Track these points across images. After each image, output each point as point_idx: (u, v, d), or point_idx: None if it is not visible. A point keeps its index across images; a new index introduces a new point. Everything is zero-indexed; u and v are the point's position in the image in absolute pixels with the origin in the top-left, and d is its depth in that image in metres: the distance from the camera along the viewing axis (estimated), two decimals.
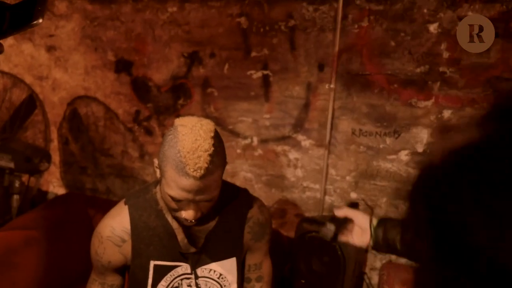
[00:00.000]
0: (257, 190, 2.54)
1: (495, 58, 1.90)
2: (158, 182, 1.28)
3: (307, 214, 2.45)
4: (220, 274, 1.35)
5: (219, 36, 2.40)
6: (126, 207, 1.28)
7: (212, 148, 1.05)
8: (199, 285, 1.33)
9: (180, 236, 1.29)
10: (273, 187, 2.52)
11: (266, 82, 2.36)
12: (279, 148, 2.44)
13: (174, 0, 2.45)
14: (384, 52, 2.09)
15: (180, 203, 1.12)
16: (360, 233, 1.26)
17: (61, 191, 3.18)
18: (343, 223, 1.28)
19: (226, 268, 1.35)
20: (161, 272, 1.30)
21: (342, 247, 1.95)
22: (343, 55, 2.17)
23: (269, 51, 2.31)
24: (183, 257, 1.30)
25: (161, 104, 2.68)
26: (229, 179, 2.04)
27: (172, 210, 1.18)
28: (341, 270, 1.97)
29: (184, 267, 1.31)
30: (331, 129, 2.28)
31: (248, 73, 2.39)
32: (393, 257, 2.17)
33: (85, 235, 1.49)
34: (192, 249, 1.31)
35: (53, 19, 2.80)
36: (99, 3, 2.65)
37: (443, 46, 1.98)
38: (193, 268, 1.31)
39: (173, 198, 1.10)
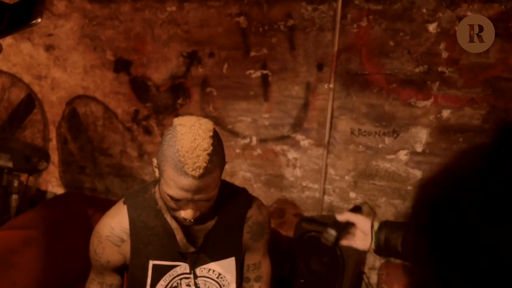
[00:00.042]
0: (256, 189, 2.54)
1: (494, 58, 1.90)
2: (157, 181, 1.28)
3: (306, 214, 2.45)
4: (219, 274, 1.35)
5: (218, 35, 2.40)
6: (125, 206, 1.28)
7: (211, 148, 1.05)
8: (198, 285, 1.33)
9: (179, 235, 1.29)
10: (272, 187, 2.52)
11: (265, 82, 2.36)
12: (278, 148, 2.44)
13: None
14: (383, 51, 2.09)
15: (179, 203, 1.12)
16: (362, 237, 1.27)
17: (60, 190, 3.17)
18: (345, 228, 1.28)
19: (225, 268, 1.35)
20: (160, 272, 1.30)
21: (341, 247, 1.95)
22: (342, 55, 2.17)
23: (268, 51, 2.31)
24: (182, 257, 1.30)
25: (160, 104, 2.68)
26: (228, 179, 2.04)
27: (171, 210, 1.18)
28: (340, 269, 1.97)
29: (183, 267, 1.31)
30: (330, 128, 2.28)
31: (247, 72, 2.39)
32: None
33: (84, 235, 1.49)
34: (191, 249, 1.31)
35: (52, 18, 2.80)
36: (98, 3, 2.64)
37: (442, 46, 1.98)
38: (192, 268, 1.31)
39: (172, 198, 1.10)
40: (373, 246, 1.24)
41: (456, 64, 1.97)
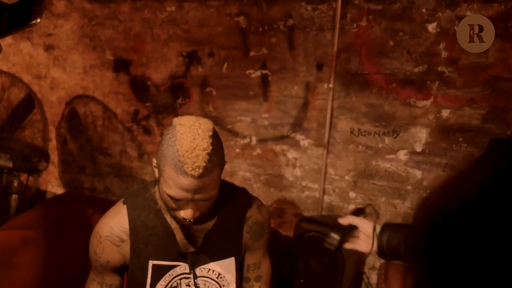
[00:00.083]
0: (256, 189, 2.54)
1: (493, 57, 1.90)
2: (156, 181, 1.28)
3: (305, 214, 2.45)
4: (219, 274, 1.35)
5: (218, 35, 2.40)
6: (125, 206, 1.28)
7: (211, 147, 1.05)
8: (198, 285, 1.33)
9: (179, 235, 1.29)
10: (272, 187, 2.52)
11: (264, 82, 2.36)
12: (277, 148, 2.44)
13: None
14: (382, 51, 2.09)
15: (179, 202, 1.12)
16: (365, 240, 1.27)
17: (59, 190, 3.17)
18: (348, 231, 1.29)
19: (225, 268, 1.35)
20: (159, 272, 1.30)
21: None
22: (342, 55, 2.17)
23: (268, 51, 2.31)
24: (182, 257, 1.30)
25: (159, 104, 2.67)
26: (227, 179, 2.04)
27: (170, 210, 1.18)
28: (340, 269, 1.97)
29: (182, 267, 1.31)
30: (330, 128, 2.28)
31: (247, 72, 2.39)
32: None
33: (83, 235, 1.49)
34: (191, 249, 1.31)
35: (51, 18, 2.80)
36: (98, 2, 2.64)
37: (441, 46, 1.98)
38: (192, 268, 1.31)
39: (171, 197, 1.10)
40: (375, 248, 1.24)
41: (456, 64, 1.97)
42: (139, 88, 2.70)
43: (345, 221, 1.30)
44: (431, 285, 0.48)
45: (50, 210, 2.18)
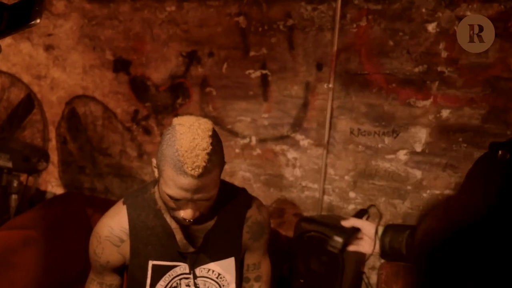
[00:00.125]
0: (256, 189, 2.54)
1: (493, 57, 1.90)
2: (156, 181, 1.28)
3: (305, 214, 2.45)
4: (219, 274, 1.35)
5: (218, 35, 2.40)
6: (125, 207, 1.28)
7: (210, 147, 1.05)
8: (197, 285, 1.33)
9: (179, 235, 1.29)
10: (272, 187, 2.52)
11: (264, 82, 2.36)
12: (277, 148, 2.44)
13: None
14: (382, 51, 2.09)
15: (179, 202, 1.12)
16: (368, 242, 1.28)
17: (59, 190, 3.17)
18: (351, 234, 1.29)
19: (225, 268, 1.35)
20: (159, 272, 1.30)
21: None
22: (342, 55, 2.17)
23: (268, 51, 2.31)
24: (182, 257, 1.30)
25: (159, 104, 2.67)
26: (227, 179, 2.04)
27: (170, 210, 1.18)
28: (340, 269, 1.97)
29: (182, 267, 1.31)
30: (330, 128, 2.28)
31: (247, 72, 2.39)
32: None
33: (83, 235, 1.49)
34: (191, 249, 1.31)
35: (51, 18, 2.80)
36: (98, 2, 2.64)
37: (441, 46, 1.98)
38: (192, 268, 1.31)
39: (171, 197, 1.10)
40: (378, 250, 1.25)
41: (456, 64, 1.97)
42: (139, 88, 2.70)
43: (347, 223, 1.31)
44: None
45: (50, 210, 2.18)
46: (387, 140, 2.19)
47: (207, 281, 1.34)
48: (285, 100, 2.34)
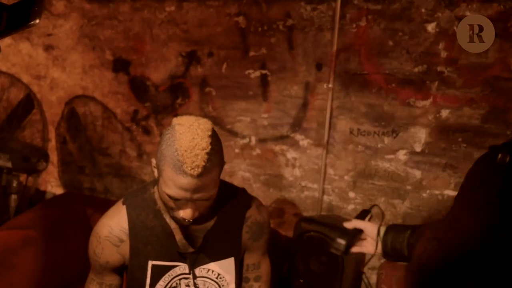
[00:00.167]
0: (255, 189, 2.54)
1: (493, 57, 1.90)
2: (156, 181, 1.28)
3: (305, 214, 2.45)
4: (218, 274, 1.35)
5: (217, 35, 2.40)
6: (124, 207, 1.28)
7: (210, 147, 1.05)
8: (197, 285, 1.33)
9: (178, 236, 1.29)
10: (271, 187, 2.52)
11: (264, 82, 2.36)
12: (277, 148, 2.44)
13: None
14: (382, 51, 2.09)
15: (178, 202, 1.12)
16: (371, 243, 1.28)
17: (59, 190, 3.17)
18: (354, 235, 1.30)
19: (224, 268, 1.35)
20: (159, 272, 1.30)
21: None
22: (341, 55, 2.17)
23: (267, 51, 2.31)
24: (181, 257, 1.30)
25: (159, 104, 2.67)
26: (227, 179, 2.03)
27: (170, 210, 1.18)
28: (339, 269, 1.97)
29: (182, 267, 1.31)
30: (329, 128, 2.28)
31: (246, 72, 2.39)
32: None
33: (83, 235, 1.49)
34: (190, 249, 1.31)
35: (51, 18, 2.80)
36: (97, 2, 2.64)
37: (441, 46, 1.98)
38: (191, 268, 1.31)
39: (171, 197, 1.10)
40: (380, 250, 1.25)
41: (455, 64, 1.97)
42: (139, 88, 2.70)
43: (350, 225, 1.32)
44: None
45: (49, 210, 2.18)
46: (386, 140, 2.19)
47: (206, 281, 1.34)
48: (284, 100, 2.34)
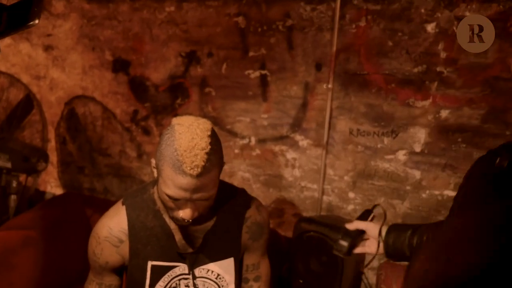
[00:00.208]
0: (255, 190, 2.54)
1: (492, 58, 1.90)
2: (155, 182, 1.28)
3: (305, 214, 2.45)
4: (218, 275, 1.35)
5: (217, 35, 2.40)
6: (124, 207, 1.28)
7: (209, 147, 1.05)
8: (197, 286, 1.33)
9: (178, 236, 1.29)
10: (271, 187, 2.52)
11: (264, 82, 2.36)
12: (277, 148, 2.44)
13: None
14: (381, 51, 2.09)
15: (177, 202, 1.12)
16: (374, 243, 1.28)
17: (58, 191, 3.17)
18: (356, 237, 1.30)
19: (224, 268, 1.35)
20: (158, 273, 1.30)
21: None
22: (341, 55, 2.17)
23: (267, 51, 2.31)
24: (181, 257, 1.30)
25: (158, 104, 2.67)
26: (227, 179, 2.04)
27: (169, 210, 1.18)
28: (339, 270, 1.97)
29: (181, 268, 1.31)
30: (329, 129, 2.28)
31: (246, 72, 2.39)
32: None
33: (82, 235, 1.49)
34: (190, 249, 1.31)
35: (50, 19, 2.80)
36: (97, 2, 2.64)
37: (440, 46, 1.98)
38: (191, 269, 1.31)
39: (170, 197, 1.10)
40: (382, 250, 1.25)
41: (455, 64, 1.97)
42: (138, 88, 2.70)
43: (352, 226, 1.32)
44: None
45: (49, 211, 2.18)
46: (386, 140, 2.19)
47: (206, 282, 1.34)
48: (284, 100, 2.34)
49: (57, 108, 2.98)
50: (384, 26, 2.06)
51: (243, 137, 2.50)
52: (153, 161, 1.17)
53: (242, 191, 1.43)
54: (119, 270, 1.32)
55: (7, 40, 2.96)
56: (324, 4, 2.14)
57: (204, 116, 2.50)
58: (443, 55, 1.98)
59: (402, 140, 2.15)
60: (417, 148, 2.13)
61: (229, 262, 1.36)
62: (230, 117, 2.50)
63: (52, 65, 2.89)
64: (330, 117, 2.26)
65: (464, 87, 1.98)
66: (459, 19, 1.91)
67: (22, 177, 2.57)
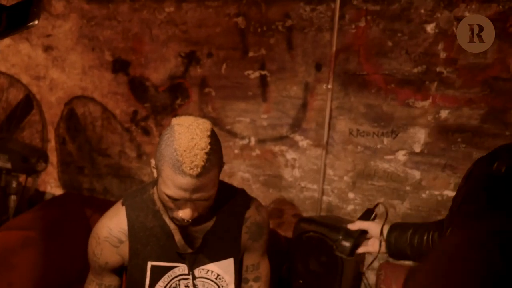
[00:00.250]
0: (255, 190, 2.54)
1: (492, 58, 1.90)
2: (155, 182, 1.28)
3: (304, 214, 2.45)
4: (218, 275, 1.35)
5: (217, 36, 2.40)
6: (123, 207, 1.28)
7: (209, 147, 1.05)
8: (196, 286, 1.33)
9: (178, 236, 1.29)
10: (271, 187, 2.52)
11: (263, 82, 2.36)
12: (276, 148, 2.44)
13: None
14: (381, 52, 2.09)
15: (177, 202, 1.12)
16: (377, 243, 1.28)
17: (58, 191, 3.17)
18: (358, 237, 1.30)
19: (224, 269, 1.35)
20: (158, 273, 1.30)
21: None
22: (341, 55, 2.17)
23: (267, 51, 2.31)
24: (181, 258, 1.30)
25: (158, 104, 2.67)
26: (226, 179, 2.04)
27: (169, 210, 1.18)
28: (339, 270, 1.97)
29: (181, 268, 1.31)
30: (329, 129, 2.28)
31: (246, 73, 2.39)
32: None
33: (82, 235, 1.49)
34: (190, 250, 1.30)
35: (50, 19, 2.80)
36: (96, 3, 2.64)
37: (440, 46, 1.98)
38: (191, 269, 1.31)
39: (170, 197, 1.10)
40: (385, 250, 1.26)
41: (454, 64, 1.97)
42: (138, 88, 2.70)
43: (354, 226, 1.32)
44: None
45: (49, 211, 2.18)
46: (386, 140, 2.19)
47: (206, 282, 1.34)
48: (284, 100, 2.34)
49: (57, 109, 2.98)
50: (384, 26, 2.06)
51: (242, 138, 2.50)
52: (152, 161, 1.17)
53: (242, 192, 1.43)
54: (119, 271, 1.32)
55: (7, 41, 2.96)
56: (324, 4, 2.14)
57: (204, 116, 2.50)
58: (442, 55, 1.98)
59: (402, 140, 2.16)
60: (417, 148, 2.14)
61: (229, 263, 1.36)
62: (229, 118, 2.50)
63: (52, 66, 2.89)
64: (330, 117, 2.26)
65: (464, 87, 1.98)
66: (458, 19, 1.91)
67: (22, 178, 2.57)
